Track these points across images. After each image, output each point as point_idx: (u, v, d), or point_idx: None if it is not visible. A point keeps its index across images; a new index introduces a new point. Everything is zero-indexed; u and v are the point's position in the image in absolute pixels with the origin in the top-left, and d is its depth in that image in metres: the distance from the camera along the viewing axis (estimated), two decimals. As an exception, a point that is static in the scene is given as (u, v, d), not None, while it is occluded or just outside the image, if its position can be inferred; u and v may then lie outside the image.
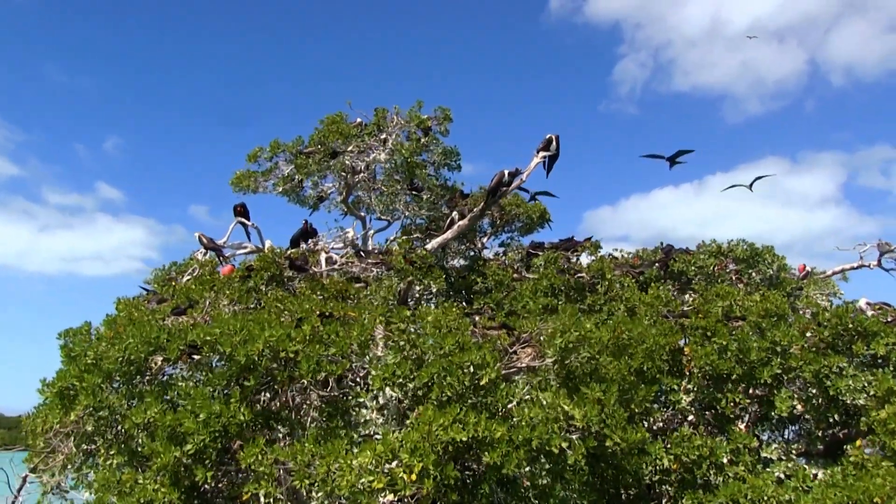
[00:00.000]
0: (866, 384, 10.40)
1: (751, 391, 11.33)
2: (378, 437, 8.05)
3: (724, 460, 10.46)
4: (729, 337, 10.92)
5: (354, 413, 8.44)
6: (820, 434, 11.41)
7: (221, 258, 12.59)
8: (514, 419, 7.98)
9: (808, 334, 11.15)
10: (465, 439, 7.47)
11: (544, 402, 8.16)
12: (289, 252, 12.01)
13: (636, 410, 9.55)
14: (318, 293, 10.31)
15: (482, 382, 8.02)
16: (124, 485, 8.60)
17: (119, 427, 9.64)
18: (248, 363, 8.23)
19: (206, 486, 8.78)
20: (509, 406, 8.20)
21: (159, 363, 9.34)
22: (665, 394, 11.19)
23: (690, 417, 11.41)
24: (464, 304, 13.16)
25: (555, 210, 16.93)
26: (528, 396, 8.31)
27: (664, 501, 10.78)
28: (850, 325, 10.80)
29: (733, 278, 13.63)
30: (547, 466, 8.14)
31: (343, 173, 14.12)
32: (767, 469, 10.65)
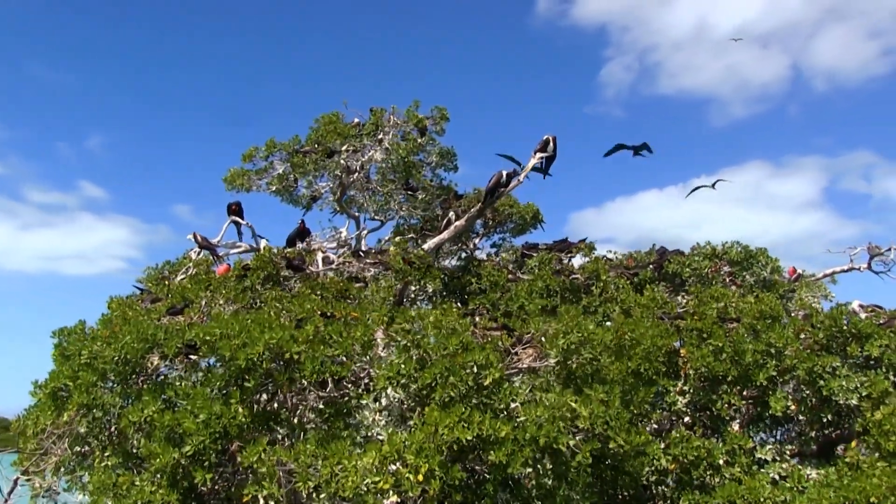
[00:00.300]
0: (859, 385, 10.47)
1: (745, 392, 11.38)
2: (381, 437, 7.99)
3: (721, 461, 10.49)
4: (724, 339, 10.95)
5: (358, 414, 8.36)
6: (813, 435, 11.47)
7: (216, 257, 12.48)
8: (520, 419, 7.96)
9: (802, 336, 11.22)
10: (470, 438, 7.44)
11: (547, 403, 8.14)
12: (285, 251, 11.91)
13: (635, 412, 9.57)
14: (318, 293, 10.23)
15: (486, 382, 7.99)
16: (120, 487, 8.47)
17: (113, 427, 9.54)
18: (248, 365, 8.14)
19: (203, 488, 8.68)
20: (513, 406, 8.18)
21: (155, 362, 9.24)
22: (661, 395, 11.20)
23: (686, 419, 11.43)
24: (458, 304, 13.12)
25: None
26: (531, 397, 8.29)
27: (661, 502, 10.80)
28: (845, 327, 10.88)
29: (727, 280, 13.68)
30: (551, 467, 8.12)
31: (338, 173, 14.04)
32: (762, 470, 10.69)
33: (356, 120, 14.20)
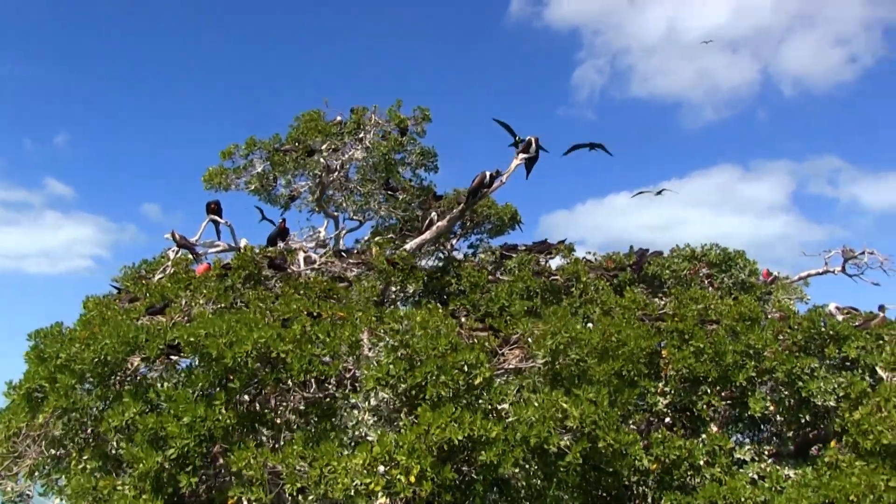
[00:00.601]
0: (837, 386, 10.60)
1: (724, 393, 11.48)
2: (370, 438, 7.92)
3: (701, 462, 10.56)
4: (705, 340, 11.03)
5: (346, 414, 8.28)
6: (791, 435, 11.60)
7: (194, 256, 12.30)
8: (510, 419, 7.95)
9: (781, 337, 11.34)
10: (461, 439, 7.40)
11: (536, 403, 8.14)
12: (267, 251, 11.77)
13: (619, 413, 9.59)
14: (301, 292, 10.12)
15: (476, 382, 7.96)
16: (101, 491, 8.32)
17: (91, 430, 9.35)
18: (235, 365, 8.02)
19: (186, 491, 8.52)
20: (502, 406, 8.16)
21: (135, 364, 9.06)
22: (643, 396, 11.25)
23: (667, 419, 11.50)
24: (438, 305, 13.07)
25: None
26: (520, 397, 8.28)
27: (643, 502, 10.84)
28: (823, 329, 11.02)
29: (705, 282, 13.81)
30: (540, 467, 8.11)
31: (318, 172, 13.92)
32: (741, 470, 10.79)
33: (338, 118, 14.10)
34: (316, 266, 11.60)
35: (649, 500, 10.74)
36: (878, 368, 10.61)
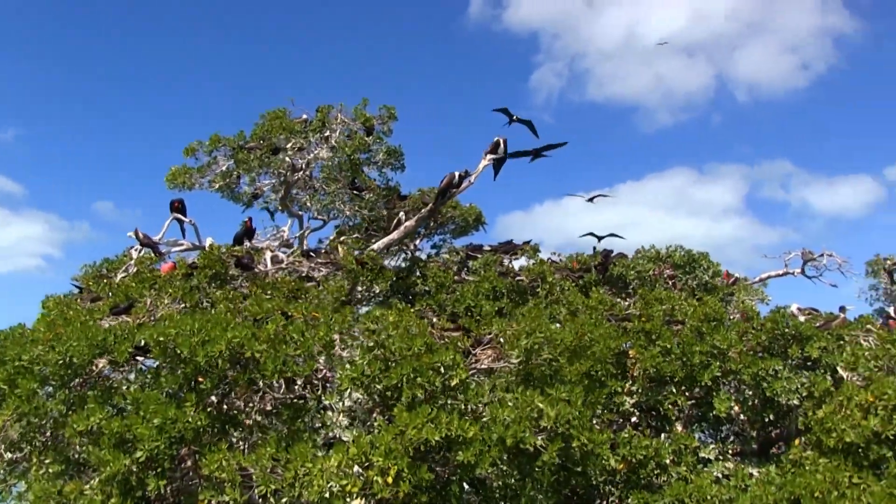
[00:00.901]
0: (800, 385, 10.80)
1: (688, 393, 11.61)
2: (345, 439, 7.83)
3: (668, 461, 10.66)
4: (672, 340, 11.15)
5: (321, 415, 8.17)
6: (754, 434, 11.78)
7: (158, 255, 12.04)
8: (486, 418, 7.93)
9: (745, 338, 11.51)
10: (438, 439, 7.36)
11: (511, 403, 8.13)
12: (233, 250, 11.58)
13: (590, 413, 9.64)
14: (269, 292, 9.97)
15: (453, 383, 7.93)
16: (67, 496, 8.08)
17: (52, 433, 9.09)
18: (206, 365, 7.86)
19: (153, 495, 8.33)
20: (478, 406, 8.14)
21: (100, 366, 8.84)
22: (610, 396, 11.32)
23: (633, 419, 11.59)
24: (404, 305, 13.02)
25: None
26: (494, 397, 8.27)
27: (610, 500, 10.91)
28: (786, 330, 11.22)
29: (669, 283, 13.97)
30: (517, 466, 8.10)
31: (282, 171, 13.75)
32: (706, 469, 10.92)
33: (304, 116, 13.95)
34: (283, 266, 11.45)
35: (616, 499, 10.82)
36: (838, 368, 10.81)
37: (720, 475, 10.79)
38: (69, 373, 8.54)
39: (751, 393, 11.17)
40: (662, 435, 11.22)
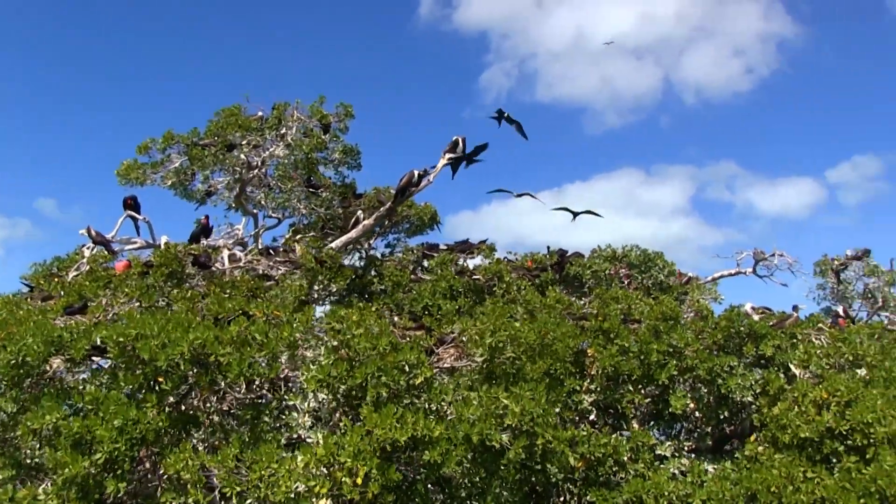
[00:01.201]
0: (754, 382, 11.03)
1: (644, 391, 11.77)
2: (310, 440, 7.74)
3: (625, 458, 10.79)
4: (630, 339, 11.29)
5: (285, 416, 8.06)
6: (709, 431, 12.00)
7: (111, 253, 11.75)
8: (450, 417, 7.92)
9: (701, 336, 11.71)
10: (405, 439, 7.33)
11: (475, 402, 8.14)
12: (189, 248, 11.36)
13: (552, 411, 9.70)
14: (228, 291, 9.81)
15: (417, 382, 7.90)
16: (20, 502, 7.81)
17: (1, 435, 8.81)
18: (167, 367, 7.69)
19: (111, 497, 8.12)
20: (442, 405, 8.13)
21: (55, 366, 8.58)
22: (569, 394, 11.41)
23: (591, 417, 11.70)
24: (365, 304, 12.94)
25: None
26: (459, 396, 8.27)
27: (569, 498, 10.99)
28: (741, 329, 11.46)
29: (625, 282, 14.14)
30: (482, 464, 8.11)
31: (237, 168, 13.54)
32: (663, 466, 11.08)
33: (259, 113, 13.77)
34: (241, 264, 11.28)
35: (575, 497, 10.91)
36: (791, 366, 11.09)
37: (677, 472, 10.95)
38: (21, 373, 8.28)
39: (706, 390, 11.37)
40: (620, 433, 11.37)
